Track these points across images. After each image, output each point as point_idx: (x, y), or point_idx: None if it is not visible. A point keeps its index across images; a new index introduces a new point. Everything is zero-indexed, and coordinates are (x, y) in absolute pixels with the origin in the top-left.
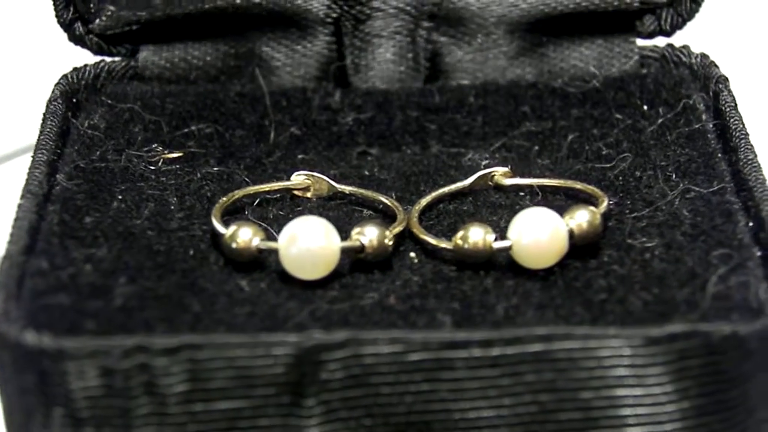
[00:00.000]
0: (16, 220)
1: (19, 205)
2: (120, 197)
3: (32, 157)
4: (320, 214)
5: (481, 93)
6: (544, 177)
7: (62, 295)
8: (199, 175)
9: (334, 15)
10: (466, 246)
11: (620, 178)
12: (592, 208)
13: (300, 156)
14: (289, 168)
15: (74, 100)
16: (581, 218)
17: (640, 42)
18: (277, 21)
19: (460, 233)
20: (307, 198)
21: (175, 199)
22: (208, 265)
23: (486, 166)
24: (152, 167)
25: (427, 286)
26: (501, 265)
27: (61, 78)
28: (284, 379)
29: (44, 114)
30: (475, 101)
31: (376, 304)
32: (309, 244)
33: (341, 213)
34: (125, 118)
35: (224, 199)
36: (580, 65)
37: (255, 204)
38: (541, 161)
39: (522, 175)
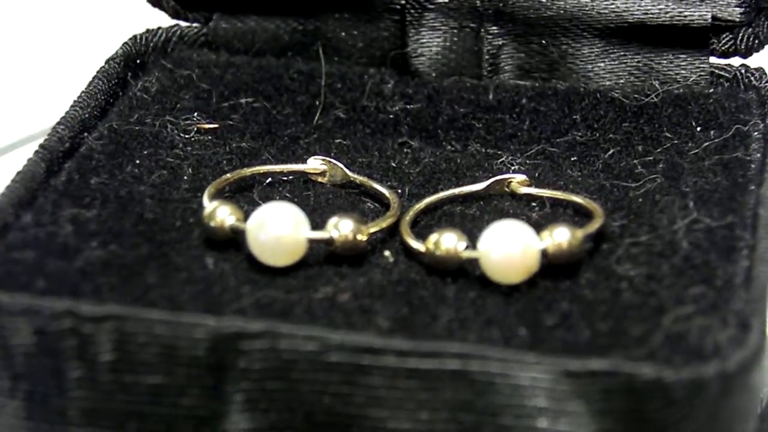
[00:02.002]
0: (18, 173)
1: (28, 159)
2: (137, 162)
3: (66, 112)
4: (327, 201)
5: (535, 96)
6: (559, 189)
7: (29, 251)
8: (227, 148)
9: (402, 2)
10: (437, 252)
11: (639, 199)
12: (575, 228)
13: (337, 140)
14: (321, 151)
15: (138, 62)
16: (560, 237)
17: (715, 60)
18: (345, 2)
19: (433, 238)
20: (321, 183)
21: (190, 170)
22: (188, 240)
23: (514, 171)
24: (186, 136)
25: (387, 288)
26: (473, 274)
27: (130, 38)
28: (205, 361)
29: (97, 72)
30: (527, 103)
31: (327, 299)
32: (275, 232)
33: (347, 202)
34: (180, 84)
35: (228, 175)
36: (646, 77)
37: (266, 184)
38: (572, 172)
39: (547, 185)
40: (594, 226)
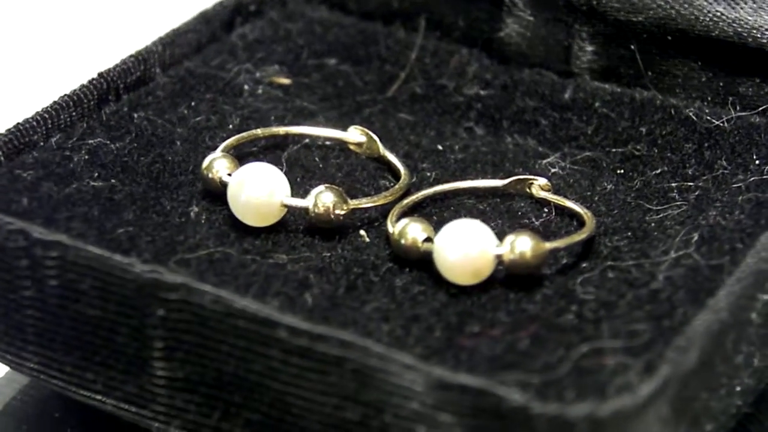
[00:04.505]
0: (63, 95)
1: (81, 84)
2: (193, 104)
3: (144, 46)
4: (348, 172)
5: (611, 101)
6: (572, 199)
7: (32, 172)
8: (288, 105)
9: None
10: (401, 240)
11: (651, 224)
12: (540, 240)
13: (401, 114)
14: (377, 123)
15: (252, 9)
16: (520, 246)
17: None
18: None
19: (400, 225)
20: (356, 153)
21: (237, 120)
22: (188, 186)
23: (554, 174)
24: (257, 87)
25: (342, 266)
26: (434, 269)
27: None
28: (132, 303)
29: (198, 13)
30: (600, 107)
31: (276, 266)
32: (249, 193)
33: (367, 176)
34: (279, 36)
35: (258, 131)
36: (732, 99)
37: (301, 145)
38: (607, 185)
39: (575, 192)
40: (568, 241)
